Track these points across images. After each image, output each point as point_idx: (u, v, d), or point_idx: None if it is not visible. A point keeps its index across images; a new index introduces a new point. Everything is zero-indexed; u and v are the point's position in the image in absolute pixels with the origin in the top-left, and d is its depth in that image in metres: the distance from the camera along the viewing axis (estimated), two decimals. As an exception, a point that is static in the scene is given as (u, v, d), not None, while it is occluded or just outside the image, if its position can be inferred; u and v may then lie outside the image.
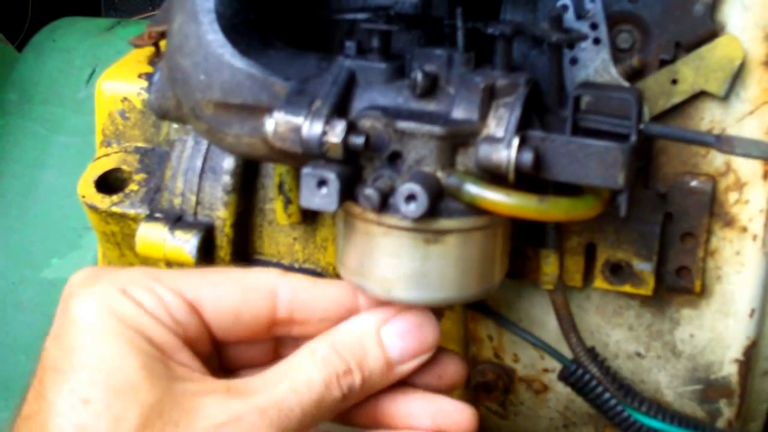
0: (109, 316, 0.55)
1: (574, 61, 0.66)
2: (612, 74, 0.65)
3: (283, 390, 0.56)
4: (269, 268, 0.62)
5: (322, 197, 0.55)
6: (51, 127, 1.19)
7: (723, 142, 0.59)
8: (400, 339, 0.60)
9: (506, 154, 0.56)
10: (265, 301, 0.60)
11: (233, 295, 0.59)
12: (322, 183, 0.55)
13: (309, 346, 0.59)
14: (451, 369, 0.63)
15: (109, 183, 0.83)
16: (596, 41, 0.65)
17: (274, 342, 0.64)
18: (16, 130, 1.20)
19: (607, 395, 0.71)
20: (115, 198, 0.81)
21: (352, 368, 0.58)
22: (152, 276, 0.58)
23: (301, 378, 0.56)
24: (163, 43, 0.85)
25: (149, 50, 0.88)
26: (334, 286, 0.61)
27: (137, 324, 0.55)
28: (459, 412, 0.62)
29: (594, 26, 0.65)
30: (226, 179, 0.76)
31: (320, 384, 0.57)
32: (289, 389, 0.56)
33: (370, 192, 0.55)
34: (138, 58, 0.88)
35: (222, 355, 0.62)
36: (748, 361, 0.72)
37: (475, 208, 0.57)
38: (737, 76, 0.65)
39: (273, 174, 0.76)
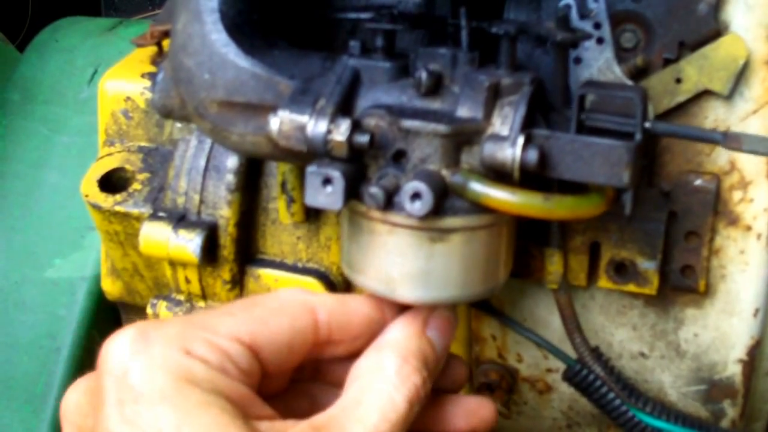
0: (184, 384, 0.50)
1: (578, 60, 0.65)
2: (616, 73, 0.65)
3: (375, 419, 0.52)
4: (291, 288, 0.59)
5: (327, 196, 0.55)
6: (53, 127, 1.19)
7: (730, 139, 0.59)
8: (441, 337, 0.59)
9: (511, 152, 0.56)
10: (310, 326, 0.57)
11: (284, 327, 0.56)
12: (327, 181, 0.55)
13: (370, 363, 0.56)
14: (460, 371, 0.62)
15: (112, 182, 0.83)
16: (600, 40, 0.65)
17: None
18: (19, 130, 1.20)
19: (611, 395, 0.71)
20: (118, 197, 0.81)
21: (426, 377, 0.56)
22: (204, 326, 0.53)
23: (385, 401, 0.53)
24: (166, 43, 0.85)
25: (152, 50, 0.88)
26: (361, 302, 0.59)
27: (214, 385, 0.51)
28: (482, 407, 0.61)
29: (597, 25, 0.65)
30: (230, 178, 0.76)
31: (403, 403, 0.54)
32: (380, 418, 0.53)
33: (375, 190, 0.55)
34: (140, 57, 0.88)
35: None
36: (752, 361, 0.72)
37: (479, 207, 0.57)
38: (741, 75, 0.65)
39: (276, 173, 0.76)
